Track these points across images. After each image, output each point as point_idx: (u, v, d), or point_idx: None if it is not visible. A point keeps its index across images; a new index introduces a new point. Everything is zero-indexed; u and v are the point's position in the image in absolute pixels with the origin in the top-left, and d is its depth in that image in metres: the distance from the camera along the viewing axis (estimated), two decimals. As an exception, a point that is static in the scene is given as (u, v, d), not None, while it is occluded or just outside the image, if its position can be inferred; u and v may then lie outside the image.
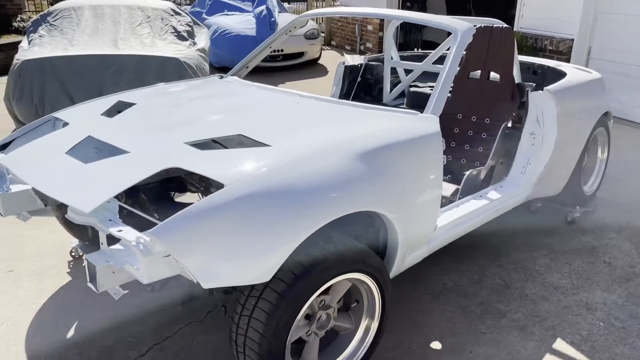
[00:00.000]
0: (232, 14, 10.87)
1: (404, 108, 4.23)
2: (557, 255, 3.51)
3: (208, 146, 2.20)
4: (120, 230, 1.87)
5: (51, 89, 5.03)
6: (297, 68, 9.96)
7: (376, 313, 2.27)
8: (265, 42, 3.68)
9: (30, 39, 5.74)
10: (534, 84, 3.55)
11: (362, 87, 4.58)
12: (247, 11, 10.82)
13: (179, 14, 6.37)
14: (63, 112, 2.86)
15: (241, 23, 10.07)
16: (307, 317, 2.12)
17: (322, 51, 10.91)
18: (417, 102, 4.15)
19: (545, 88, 3.39)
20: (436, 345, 2.66)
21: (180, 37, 6.01)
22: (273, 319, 1.88)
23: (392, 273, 2.46)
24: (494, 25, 3.64)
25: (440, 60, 4.12)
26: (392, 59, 4.48)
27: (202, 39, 6.53)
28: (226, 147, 2.23)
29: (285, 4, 14.25)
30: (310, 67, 10.22)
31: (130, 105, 2.79)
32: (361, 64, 4.53)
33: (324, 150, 2.09)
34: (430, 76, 4.48)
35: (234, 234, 1.77)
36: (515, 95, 3.51)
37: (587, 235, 3.79)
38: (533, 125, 3.43)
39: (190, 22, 6.40)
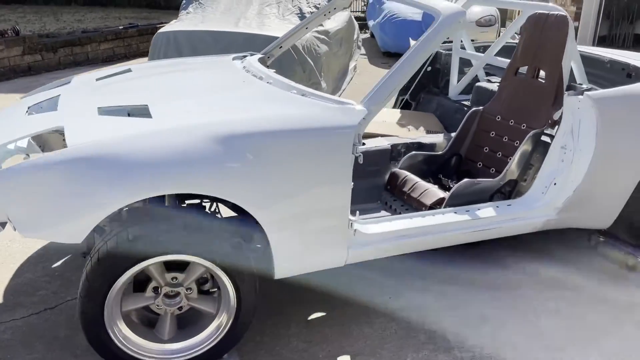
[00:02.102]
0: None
1: (462, 104, 3.79)
2: (584, 301, 2.82)
3: (111, 113, 2.33)
4: None
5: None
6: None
7: (230, 305, 2.17)
8: (301, 23, 3.63)
9: (180, 15, 6.52)
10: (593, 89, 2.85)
11: (430, 77, 4.18)
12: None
13: (311, -6, 6.53)
14: (81, 75, 3.27)
15: (411, 8, 9.85)
16: (156, 289, 2.15)
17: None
18: (481, 99, 3.65)
19: (585, 93, 2.70)
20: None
21: (302, 17, 6.18)
22: (88, 281, 1.96)
23: (281, 272, 2.31)
24: (550, 13, 3.01)
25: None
26: (462, 48, 3.98)
27: (336, 22, 6.62)
28: (128, 116, 2.33)
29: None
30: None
31: (119, 73, 3.05)
32: (431, 52, 4.12)
33: (183, 129, 2.06)
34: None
35: (53, 193, 1.90)
36: (560, 99, 2.88)
37: (642, 288, 2.94)
38: (566, 137, 2.78)
39: (319, 3, 6.51)
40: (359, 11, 14.92)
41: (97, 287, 1.97)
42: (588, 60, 3.58)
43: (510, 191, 2.97)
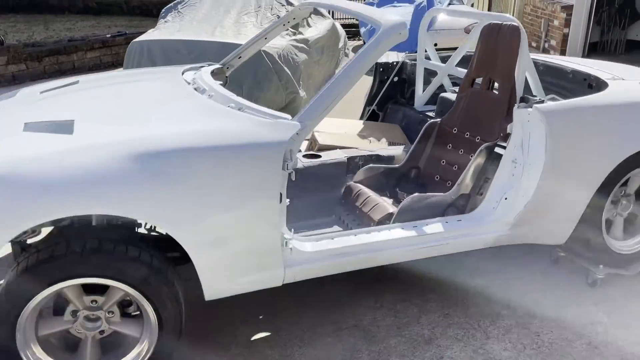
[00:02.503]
0: (400, 6, 10.62)
1: (427, 115, 3.71)
2: (534, 322, 2.72)
3: (36, 128, 2.25)
4: None
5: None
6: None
7: (152, 329, 2.10)
8: (260, 33, 3.57)
9: (158, 24, 6.48)
10: (545, 99, 2.76)
11: (396, 87, 4.10)
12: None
13: (291, 4, 6.49)
14: (27, 88, 3.20)
15: (401, 16, 9.79)
16: (75, 313, 2.07)
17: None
18: (445, 110, 3.56)
19: (535, 105, 2.62)
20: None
21: (295, 27, 6.13)
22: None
23: (212, 294, 2.23)
24: (503, 23, 2.94)
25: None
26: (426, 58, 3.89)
27: (316, 30, 6.57)
28: (51, 132, 2.26)
29: (470, -4, 13.30)
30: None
31: (65, 85, 2.98)
32: (396, 62, 4.05)
33: (99, 146, 2.00)
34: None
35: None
36: (512, 111, 2.79)
37: (600, 305, 2.84)
38: (516, 151, 2.69)
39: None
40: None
41: (7, 311, 1.90)
42: (552, 70, 3.51)
43: (464, 205, 2.88)
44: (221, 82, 3.00)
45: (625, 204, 2.98)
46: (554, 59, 3.63)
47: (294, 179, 2.30)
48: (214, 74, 3.37)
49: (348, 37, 12.69)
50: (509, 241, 2.79)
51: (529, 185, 2.65)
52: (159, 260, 2.06)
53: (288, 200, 2.28)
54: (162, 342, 2.11)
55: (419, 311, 2.82)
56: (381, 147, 3.48)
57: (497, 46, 2.95)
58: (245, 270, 2.24)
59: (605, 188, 2.75)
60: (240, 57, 3.61)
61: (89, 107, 2.51)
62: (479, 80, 3.12)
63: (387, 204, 2.83)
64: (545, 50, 10.53)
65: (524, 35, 2.78)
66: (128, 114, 2.40)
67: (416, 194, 2.79)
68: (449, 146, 3.15)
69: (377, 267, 2.63)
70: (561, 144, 2.61)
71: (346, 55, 8.50)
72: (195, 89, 2.73)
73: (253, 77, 5.49)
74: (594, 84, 3.10)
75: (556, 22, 10.10)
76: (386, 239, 2.55)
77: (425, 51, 3.83)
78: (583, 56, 9.91)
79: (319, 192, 3.14)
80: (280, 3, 6.44)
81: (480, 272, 3.10)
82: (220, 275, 2.20)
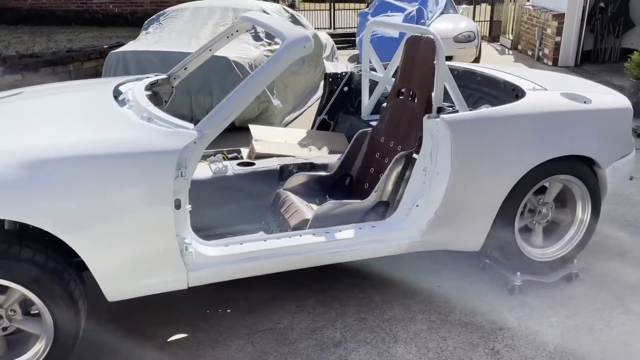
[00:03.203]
0: (393, 15, 10.70)
1: (370, 124, 3.79)
2: (445, 327, 2.78)
3: None
4: None
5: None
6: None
7: (48, 328, 2.21)
8: (205, 45, 3.69)
9: (139, 35, 6.68)
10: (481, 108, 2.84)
11: (346, 97, 4.19)
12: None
13: (267, 13, 6.63)
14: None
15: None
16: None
17: (480, 54, 9.99)
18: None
19: (442, 116, 2.69)
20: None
21: (257, 37, 6.27)
22: None
23: (113, 295, 2.34)
24: (422, 36, 3.02)
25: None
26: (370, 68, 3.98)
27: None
28: None
29: (464, 5, 13.33)
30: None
31: (8, 96, 3.13)
32: (345, 73, 4.14)
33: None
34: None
35: None
36: (427, 121, 2.86)
37: (515, 312, 2.88)
38: (426, 159, 2.76)
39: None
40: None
41: None
42: (487, 81, 3.57)
43: (384, 212, 2.96)
44: (150, 93, 3.12)
45: (544, 212, 3.02)
46: (491, 69, 3.69)
47: (188, 187, 2.41)
48: (158, 84, 3.51)
49: (346, 47, 12.86)
50: (423, 247, 2.85)
51: (438, 193, 2.72)
52: (55, 262, 2.18)
53: (189, 206, 2.39)
54: (59, 341, 2.22)
55: (337, 315, 2.89)
56: (317, 156, 3.56)
57: (416, 58, 3.03)
58: (144, 273, 2.35)
59: (516, 196, 2.80)
60: (186, 68, 3.75)
61: (8, 118, 2.65)
62: (405, 90, 3.20)
63: (305, 211, 2.92)
64: (539, 59, 10.53)
65: (440, 48, 2.85)
66: (41, 124, 2.53)
67: (331, 201, 2.87)
68: (377, 155, 3.23)
69: (304, 272, 2.73)
70: (466, 153, 2.67)
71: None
72: (123, 99, 2.86)
73: (222, 86, 5.63)
74: (519, 94, 3.16)
75: (549, 31, 10.10)
76: (295, 244, 2.63)
77: (370, 62, 3.92)
78: (575, 65, 9.88)
79: (251, 199, 3.24)
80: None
81: (407, 277, 3.16)
82: (119, 278, 2.31)
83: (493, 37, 13.56)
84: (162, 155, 2.23)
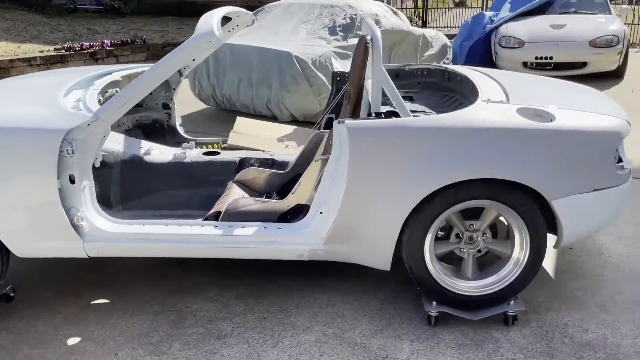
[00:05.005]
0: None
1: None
2: (335, 342, 2.62)
3: None
4: None
5: (203, 67, 6.36)
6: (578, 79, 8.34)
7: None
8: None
9: (239, 29, 7.17)
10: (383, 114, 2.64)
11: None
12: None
13: (352, 8, 6.61)
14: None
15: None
16: None
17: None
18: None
19: (347, 121, 2.53)
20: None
21: (333, 31, 6.33)
22: None
23: (19, 252, 2.69)
24: (366, 35, 2.87)
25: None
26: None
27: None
28: None
29: (624, 6, 11.54)
30: (596, 81, 8.07)
31: None
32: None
33: None
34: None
35: None
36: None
37: (416, 344, 2.59)
38: (333, 166, 2.63)
39: (355, 15, 6.55)
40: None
41: None
42: (463, 83, 3.24)
43: (303, 216, 2.88)
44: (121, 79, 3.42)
45: (476, 240, 2.66)
46: (481, 72, 3.31)
47: (97, 166, 2.64)
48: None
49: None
50: (327, 257, 2.73)
51: (337, 202, 2.58)
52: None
53: (87, 182, 2.62)
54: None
55: (243, 310, 2.90)
56: (287, 153, 3.56)
57: (356, 59, 2.87)
58: (40, 237, 2.65)
59: (424, 217, 2.52)
60: (194, 59, 3.99)
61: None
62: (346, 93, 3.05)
63: (225, 204, 2.97)
64: None
65: (376, 47, 2.68)
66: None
67: (244, 196, 2.88)
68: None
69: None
70: (364, 162, 2.49)
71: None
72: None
73: (281, 79, 5.81)
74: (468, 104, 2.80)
75: None
76: (192, 233, 2.72)
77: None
78: None
79: (206, 187, 3.38)
80: (342, 9, 6.61)
81: (350, 285, 3.05)
82: (19, 239, 2.64)
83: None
84: (49, 132, 2.49)
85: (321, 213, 2.67)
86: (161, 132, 4.11)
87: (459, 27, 13.02)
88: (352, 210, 2.55)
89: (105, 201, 3.23)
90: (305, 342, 2.65)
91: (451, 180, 2.43)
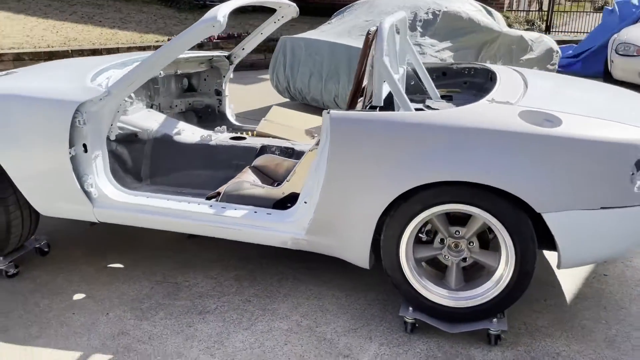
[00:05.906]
0: None
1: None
2: (304, 334, 2.60)
3: None
4: None
5: (281, 60, 6.54)
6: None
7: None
8: (257, 29, 4.01)
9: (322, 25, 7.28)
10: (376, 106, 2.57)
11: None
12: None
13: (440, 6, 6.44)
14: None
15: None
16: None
17: None
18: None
19: (332, 111, 2.48)
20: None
21: (412, 27, 6.20)
22: None
23: (41, 210, 2.99)
24: (373, 27, 2.80)
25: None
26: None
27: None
28: None
29: None
30: None
31: None
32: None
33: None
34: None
35: None
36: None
37: (384, 348, 2.47)
38: (319, 155, 2.60)
39: (439, 10, 6.36)
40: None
41: None
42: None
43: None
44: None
45: (461, 248, 2.47)
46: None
47: (112, 139, 2.86)
48: (218, 61, 4.01)
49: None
50: (309, 247, 2.70)
51: (316, 193, 2.55)
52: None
53: (99, 151, 2.85)
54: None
55: (234, 292, 2.97)
56: (307, 142, 3.56)
57: (361, 51, 2.80)
58: (57, 198, 2.92)
59: (399, 217, 2.39)
60: (243, 48, 4.16)
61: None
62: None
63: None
64: None
65: (380, 39, 2.60)
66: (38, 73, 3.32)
67: (240, 180, 2.94)
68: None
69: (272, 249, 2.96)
70: (342, 154, 2.43)
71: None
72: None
73: (349, 74, 5.81)
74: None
75: None
76: (188, 210, 2.85)
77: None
78: None
79: (227, 170, 3.50)
80: (427, 4, 6.45)
81: (355, 282, 3.01)
82: (40, 198, 2.93)
83: None
84: (63, 104, 2.74)
85: (305, 203, 2.65)
86: (212, 117, 4.32)
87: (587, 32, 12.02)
88: (329, 202, 2.50)
89: (136, 174, 3.49)
90: (277, 329, 2.65)
91: (425, 181, 2.29)
